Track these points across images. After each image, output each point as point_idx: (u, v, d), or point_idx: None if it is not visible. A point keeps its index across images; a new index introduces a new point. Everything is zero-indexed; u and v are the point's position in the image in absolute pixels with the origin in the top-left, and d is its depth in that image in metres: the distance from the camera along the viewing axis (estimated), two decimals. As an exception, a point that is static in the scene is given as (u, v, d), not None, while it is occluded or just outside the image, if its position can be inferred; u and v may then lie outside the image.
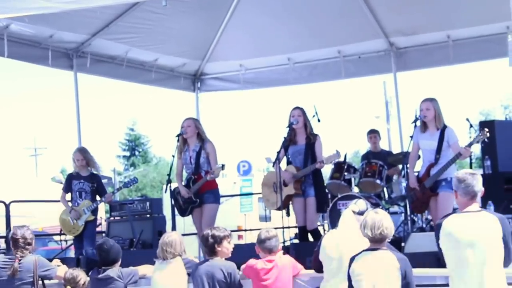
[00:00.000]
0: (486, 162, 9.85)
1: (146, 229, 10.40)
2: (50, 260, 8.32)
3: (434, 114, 8.68)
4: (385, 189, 11.28)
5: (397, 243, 7.34)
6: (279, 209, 9.30)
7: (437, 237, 5.58)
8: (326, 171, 11.24)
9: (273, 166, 9.57)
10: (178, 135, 9.65)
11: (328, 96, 67.01)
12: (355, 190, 11.28)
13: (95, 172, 10.22)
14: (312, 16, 12.17)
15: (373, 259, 5.58)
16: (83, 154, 10.14)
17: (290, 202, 9.51)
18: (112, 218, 11.14)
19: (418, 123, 8.85)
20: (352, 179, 11.15)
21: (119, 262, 7.61)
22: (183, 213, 9.74)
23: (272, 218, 13.76)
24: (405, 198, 9.37)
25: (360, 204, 6.57)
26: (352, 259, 5.69)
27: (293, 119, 9.38)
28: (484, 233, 5.39)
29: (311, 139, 9.38)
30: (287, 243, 9.42)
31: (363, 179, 11.16)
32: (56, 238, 12.14)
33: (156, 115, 75.54)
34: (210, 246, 7.03)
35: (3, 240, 11.30)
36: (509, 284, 5.62)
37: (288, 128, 9.41)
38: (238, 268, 7.08)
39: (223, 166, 9.35)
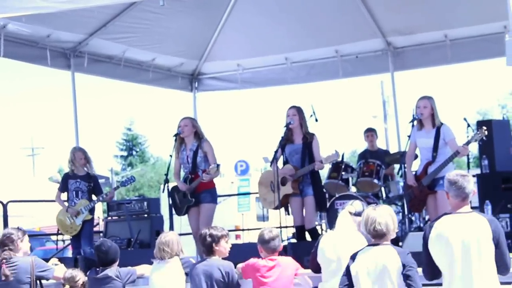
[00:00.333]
0: (484, 162, 9.85)
1: (144, 229, 10.39)
2: (47, 260, 8.31)
3: (430, 112, 8.70)
4: (382, 188, 11.29)
5: (395, 242, 7.34)
6: (276, 208, 9.31)
7: (426, 238, 5.59)
8: (324, 171, 11.25)
9: (270, 165, 9.58)
10: (175, 135, 9.65)
11: (325, 96, 67.00)
12: (353, 189, 11.28)
13: (90, 172, 10.23)
14: (309, 16, 12.17)
15: (373, 254, 5.59)
16: (84, 154, 10.17)
17: (288, 202, 9.51)
18: (109, 218, 11.12)
19: (416, 122, 8.87)
20: (350, 179, 11.15)
21: (117, 262, 7.62)
22: (179, 212, 9.75)
23: (269, 217, 13.76)
24: (402, 197, 9.39)
25: (357, 205, 6.60)
26: (354, 255, 5.67)
27: (288, 118, 9.39)
28: (474, 234, 5.41)
29: (308, 138, 9.39)
30: (285, 243, 9.42)
31: (361, 178, 11.17)
32: (54, 238, 12.11)
33: (154, 114, 75.55)
34: (207, 246, 7.03)
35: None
36: (504, 283, 5.63)
37: (285, 128, 9.42)
38: (235, 267, 7.08)
39: (218, 166, 9.35)
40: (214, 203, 9.60)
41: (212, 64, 13.50)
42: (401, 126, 12.89)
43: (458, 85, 71.69)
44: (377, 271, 5.53)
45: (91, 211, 10.04)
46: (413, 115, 8.88)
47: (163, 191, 9.88)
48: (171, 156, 9.69)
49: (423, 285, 5.67)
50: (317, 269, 6.56)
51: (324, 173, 11.41)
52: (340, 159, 10.46)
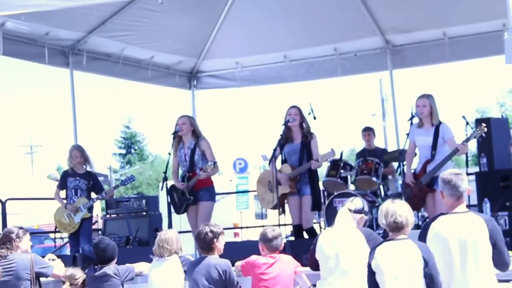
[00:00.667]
0: (482, 160, 9.86)
1: (142, 227, 10.41)
2: (43, 257, 8.31)
3: (429, 110, 8.69)
4: (381, 186, 11.29)
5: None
6: (274, 207, 9.30)
7: (422, 238, 5.57)
8: (322, 169, 11.25)
9: (269, 164, 9.56)
10: (173, 133, 9.64)
11: (324, 94, 67.05)
12: (351, 187, 11.28)
13: (90, 170, 10.22)
14: (308, 14, 12.17)
15: (393, 248, 5.46)
16: (81, 152, 10.15)
17: (286, 201, 9.51)
18: (108, 216, 11.15)
19: (415, 120, 8.86)
20: (348, 177, 11.14)
21: (115, 260, 7.62)
22: (178, 211, 9.75)
23: (268, 215, 13.77)
24: (401, 195, 9.38)
25: (357, 202, 6.55)
26: (372, 250, 5.59)
27: (289, 117, 9.36)
28: (471, 234, 5.40)
29: (307, 138, 9.37)
30: (283, 241, 9.41)
31: (359, 176, 11.16)
32: (52, 236, 12.12)
33: (152, 112, 75.59)
34: (209, 242, 7.00)
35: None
36: (503, 281, 5.63)
37: (283, 126, 9.40)
38: (233, 265, 7.08)
39: (215, 163, 9.34)
40: (213, 201, 9.60)
41: (210, 62, 13.50)
42: (400, 124, 12.90)
43: (456, 83, 71.81)
44: (400, 266, 5.38)
45: (90, 209, 10.03)
46: (412, 113, 8.88)
47: (161, 189, 9.87)
48: (169, 154, 9.69)
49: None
50: (315, 266, 6.54)
51: (322, 171, 11.40)
52: (337, 157, 10.46)
